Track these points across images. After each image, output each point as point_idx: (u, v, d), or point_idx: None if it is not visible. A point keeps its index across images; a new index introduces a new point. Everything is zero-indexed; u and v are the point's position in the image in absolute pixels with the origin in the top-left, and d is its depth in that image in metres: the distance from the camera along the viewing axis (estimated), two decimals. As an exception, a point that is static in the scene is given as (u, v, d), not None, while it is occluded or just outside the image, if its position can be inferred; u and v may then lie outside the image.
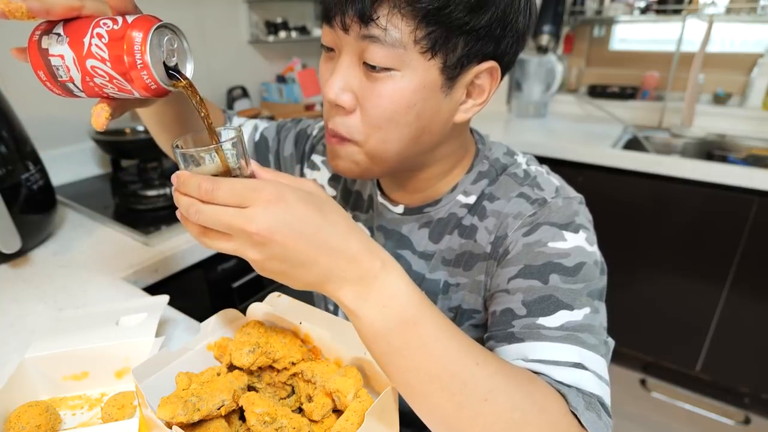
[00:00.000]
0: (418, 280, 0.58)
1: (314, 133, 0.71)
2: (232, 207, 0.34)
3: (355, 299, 0.35)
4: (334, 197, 0.68)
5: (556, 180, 0.55)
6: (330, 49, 0.47)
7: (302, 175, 0.71)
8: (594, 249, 0.50)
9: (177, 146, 0.38)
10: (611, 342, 0.46)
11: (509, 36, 0.45)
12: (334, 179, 0.68)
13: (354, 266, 0.35)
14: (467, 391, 0.36)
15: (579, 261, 0.47)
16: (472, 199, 0.56)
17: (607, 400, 0.42)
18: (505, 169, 0.56)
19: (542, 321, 0.44)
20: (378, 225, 0.62)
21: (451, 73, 0.45)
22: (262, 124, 0.74)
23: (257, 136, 0.73)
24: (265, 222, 0.33)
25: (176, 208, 0.39)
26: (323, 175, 0.69)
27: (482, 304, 0.55)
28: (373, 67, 0.43)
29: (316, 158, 0.70)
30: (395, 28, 0.41)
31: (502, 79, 0.48)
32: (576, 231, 0.49)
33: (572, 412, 0.38)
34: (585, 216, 0.52)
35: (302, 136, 0.72)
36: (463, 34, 0.42)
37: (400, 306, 0.36)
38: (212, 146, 0.37)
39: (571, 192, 0.54)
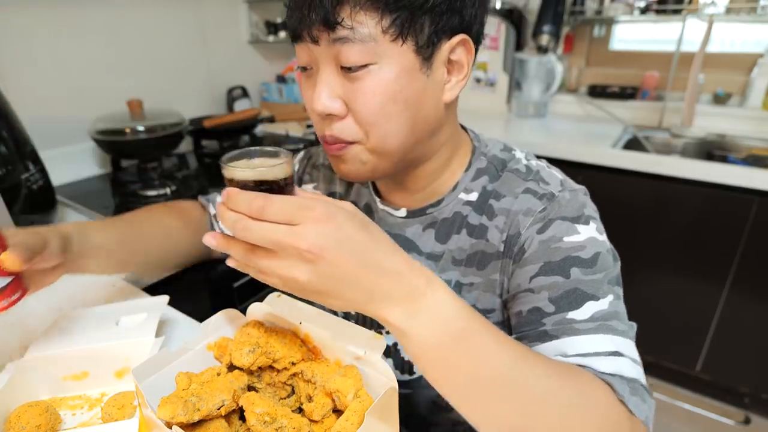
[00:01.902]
0: None
1: (296, 168, 0.72)
2: (282, 224, 0.34)
3: (403, 317, 0.35)
4: None
5: (557, 173, 0.56)
6: (305, 68, 0.49)
7: None
8: (604, 238, 0.51)
9: (223, 162, 0.39)
10: (635, 325, 0.48)
11: (469, 5, 0.46)
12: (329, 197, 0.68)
13: (401, 284, 0.36)
14: (524, 394, 0.36)
15: (595, 251, 0.49)
16: (474, 196, 0.56)
17: (644, 381, 0.43)
18: (504, 164, 0.57)
19: (572, 315, 0.46)
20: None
21: (426, 53, 0.46)
22: None
23: None
24: (317, 239, 0.33)
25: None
26: None
27: (498, 303, 0.55)
28: (350, 68, 0.44)
29: (307, 188, 0.70)
30: (361, 25, 0.42)
31: (476, 52, 0.51)
32: (587, 223, 0.51)
33: (619, 399, 0.40)
34: (591, 207, 0.53)
35: None
36: (426, 12, 0.44)
37: (448, 320, 0.36)
38: (263, 167, 0.39)
39: (574, 184, 0.55)
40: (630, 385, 0.41)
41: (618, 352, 0.43)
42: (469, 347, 0.36)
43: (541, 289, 0.48)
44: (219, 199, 0.75)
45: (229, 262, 0.39)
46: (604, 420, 0.38)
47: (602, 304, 0.46)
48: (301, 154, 0.73)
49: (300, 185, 0.71)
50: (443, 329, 0.36)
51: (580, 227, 0.50)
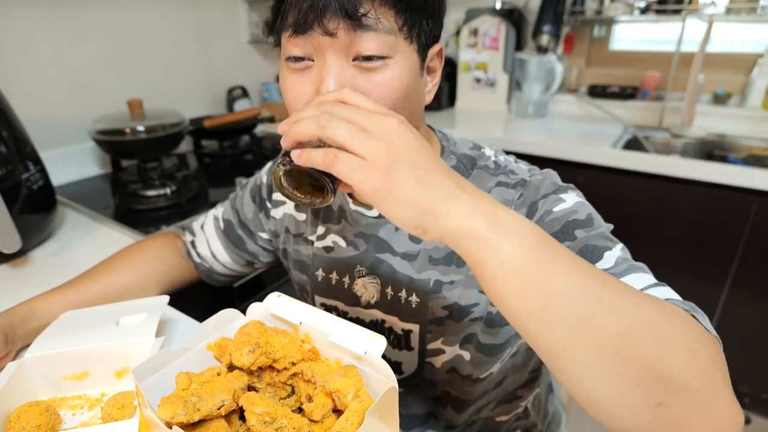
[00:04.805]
0: (406, 281, 0.58)
1: (264, 179, 0.73)
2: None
3: (489, 227, 0.32)
4: (306, 219, 0.68)
5: (524, 165, 0.58)
6: (299, 59, 0.45)
7: (268, 218, 0.72)
8: (588, 203, 0.52)
9: None
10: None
11: (444, 16, 0.49)
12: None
13: (477, 195, 0.33)
14: (623, 295, 0.32)
15: (587, 212, 0.50)
16: None
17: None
18: (474, 162, 0.58)
19: (600, 266, 0.45)
20: (356, 232, 0.62)
21: (423, 55, 0.48)
22: (219, 210, 0.77)
23: (222, 225, 0.75)
24: (404, 120, 0.34)
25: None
26: (289, 205, 0.69)
27: (483, 298, 0.56)
28: (368, 59, 0.43)
29: (278, 195, 0.71)
30: (383, 18, 0.43)
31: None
32: (566, 192, 0.52)
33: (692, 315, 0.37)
34: (564, 183, 0.55)
35: (255, 190, 0.73)
36: (426, 17, 0.46)
37: (528, 232, 0.32)
38: None
39: (541, 170, 0.57)
40: (688, 305, 0.39)
41: (658, 283, 0.42)
42: (559, 255, 0.32)
43: None
44: (195, 225, 0.77)
45: (300, 157, 0.36)
46: (691, 330, 0.34)
47: (616, 251, 0.46)
48: (269, 164, 0.75)
49: (271, 193, 0.71)
50: (530, 240, 0.32)
51: (563, 196, 0.51)
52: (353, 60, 0.44)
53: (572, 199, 0.51)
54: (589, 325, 0.31)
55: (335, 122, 0.33)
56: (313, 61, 0.45)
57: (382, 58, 0.44)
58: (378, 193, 0.32)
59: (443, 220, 0.32)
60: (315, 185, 0.40)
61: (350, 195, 0.61)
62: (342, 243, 0.63)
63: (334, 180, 0.37)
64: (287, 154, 0.38)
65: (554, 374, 0.34)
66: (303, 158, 0.35)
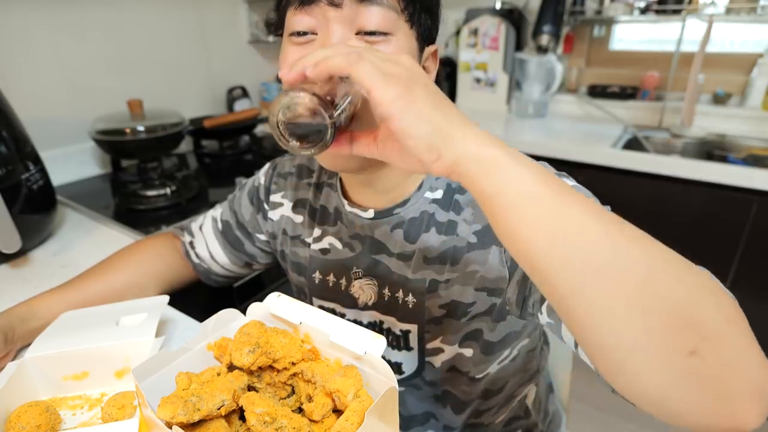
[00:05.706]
0: (402, 281, 0.58)
1: (262, 181, 0.73)
2: None
3: (504, 152, 0.31)
4: (302, 222, 0.68)
5: None
6: (302, 34, 0.46)
7: (266, 220, 0.72)
8: (583, 187, 0.51)
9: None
10: None
11: (440, 19, 0.50)
12: (299, 205, 0.68)
13: (485, 131, 0.33)
14: (642, 233, 0.30)
15: (586, 194, 0.48)
16: (439, 194, 0.57)
17: None
18: None
19: None
20: (352, 234, 0.62)
21: (421, 46, 0.49)
22: (218, 211, 0.77)
23: (220, 226, 0.75)
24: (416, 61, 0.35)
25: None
26: (287, 207, 0.69)
27: (480, 296, 0.56)
28: (371, 34, 0.45)
29: (275, 197, 0.70)
30: None
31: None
32: (560, 177, 0.51)
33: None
34: (558, 171, 0.53)
35: (253, 192, 0.73)
36: (425, 11, 0.47)
37: (535, 164, 0.32)
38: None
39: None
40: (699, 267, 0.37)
41: None
42: (573, 191, 0.30)
43: None
44: (193, 226, 0.77)
45: (317, 65, 0.33)
46: (711, 280, 0.32)
47: None
48: (267, 165, 0.74)
49: (268, 195, 0.71)
50: (543, 171, 0.31)
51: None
52: (356, 34, 0.45)
53: (569, 184, 0.50)
54: (611, 256, 0.28)
55: (349, 49, 0.33)
56: (316, 34, 0.46)
57: (384, 34, 0.45)
58: (398, 102, 0.30)
59: (459, 142, 0.31)
60: (309, 139, 0.37)
61: (345, 197, 0.61)
62: (338, 245, 0.63)
63: (336, 129, 0.36)
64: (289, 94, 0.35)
65: (571, 326, 0.31)
66: (321, 65, 0.32)
